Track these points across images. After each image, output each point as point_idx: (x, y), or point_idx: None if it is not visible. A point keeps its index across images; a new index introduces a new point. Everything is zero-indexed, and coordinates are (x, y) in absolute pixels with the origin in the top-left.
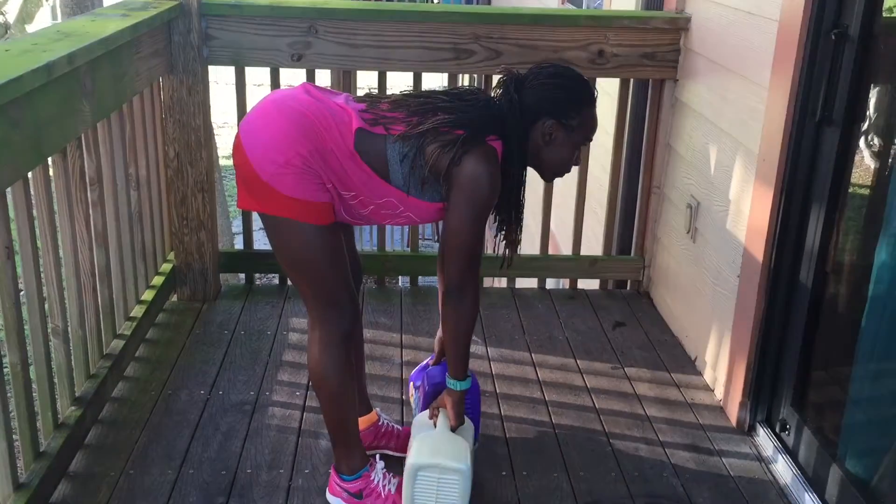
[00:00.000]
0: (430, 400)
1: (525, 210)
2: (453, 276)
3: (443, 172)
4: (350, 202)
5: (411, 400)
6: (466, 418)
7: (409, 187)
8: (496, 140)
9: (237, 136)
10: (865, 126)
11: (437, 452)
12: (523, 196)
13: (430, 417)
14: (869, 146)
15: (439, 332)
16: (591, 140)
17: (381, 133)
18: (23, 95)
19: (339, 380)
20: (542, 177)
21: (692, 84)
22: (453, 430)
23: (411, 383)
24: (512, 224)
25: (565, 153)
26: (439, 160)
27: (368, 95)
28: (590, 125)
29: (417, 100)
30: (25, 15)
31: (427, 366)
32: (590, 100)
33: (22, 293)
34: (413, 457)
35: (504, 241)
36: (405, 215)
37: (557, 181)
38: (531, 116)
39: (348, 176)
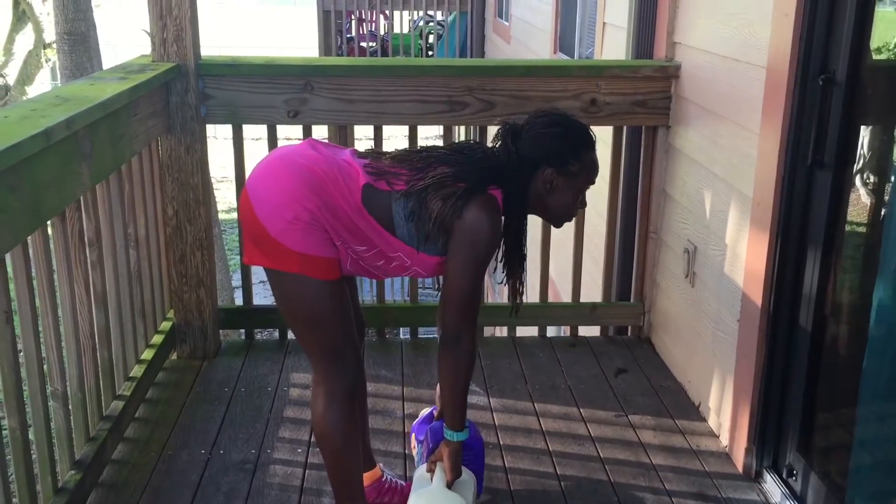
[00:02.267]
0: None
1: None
2: (450, 325)
3: (445, 225)
4: (365, 255)
5: (413, 452)
6: (466, 471)
7: (415, 243)
8: (496, 189)
9: (244, 193)
10: (857, 168)
11: None
12: (525, 243)
13: (428, 471)
14: (864, 186)
15: (440, 387)
16: (593, 183)
17: (385, 189)
18: (21, 161)
19: (344, 435)
20: (549, 222)
21: (684, 130)
22: (450, 484)
23: (413, 435)
24: (516, 272)
25: (568, 199)
26: (442, 213)
27: (372, 151)
28: (590, 169)
29: (419, 155)
30: (25, 77)
31: (431, 417)
32: (588, 144)
33: (21, 355)
34: None
35: (510, 289)
36: (414, 269)
37: (554, 229)
38: (530, 166)
39: (359, 229)
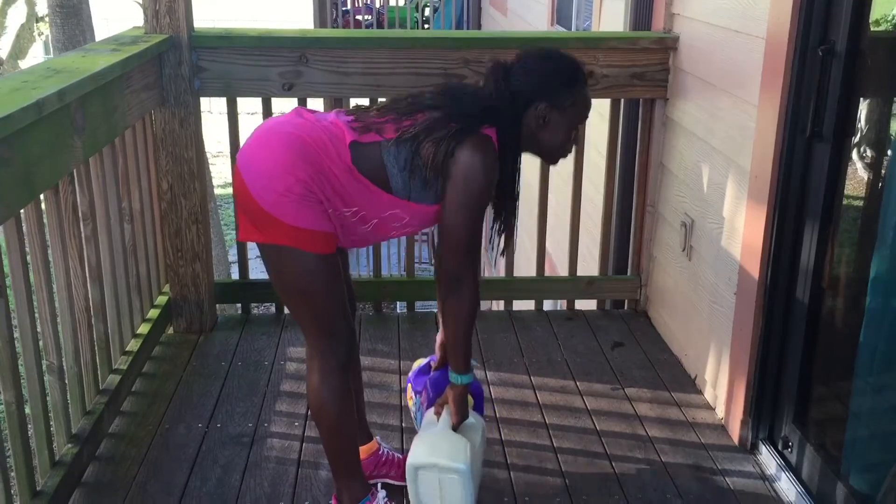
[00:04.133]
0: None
1: (520, 214)
2: (450, 268)
3: (439, 167)
4: (351, 219)
5: (410, 404)
6: (475, 415)
7: (410, 192)
8: (490, 128)
9: (235, 168)
10: (856, 140)
11: (434, 452)
12: (519, 184)
13: (435, 414)
14: (861, 160)
15: (440, 336)
16: (586, 118)
17: (374, 140)
18: (13, 133)
19: (339, 409)
20: (544, 160)
21: (682, 103)
22: (455, 426)
23: (409, 385)
24: (509, 213)
25: (561, 135)
26: (436, 157)
27: (357, 107)
28: (583, 104)
29: (406, 101)
30: (18, 50)
31: (428, 367)
32: (580, 79)
33: (16, 330)
34: (410, 457)
35: (502, 231)
36: (411, 224)
37: (552, 201)
38: (523, 102)
39: (348, 192)
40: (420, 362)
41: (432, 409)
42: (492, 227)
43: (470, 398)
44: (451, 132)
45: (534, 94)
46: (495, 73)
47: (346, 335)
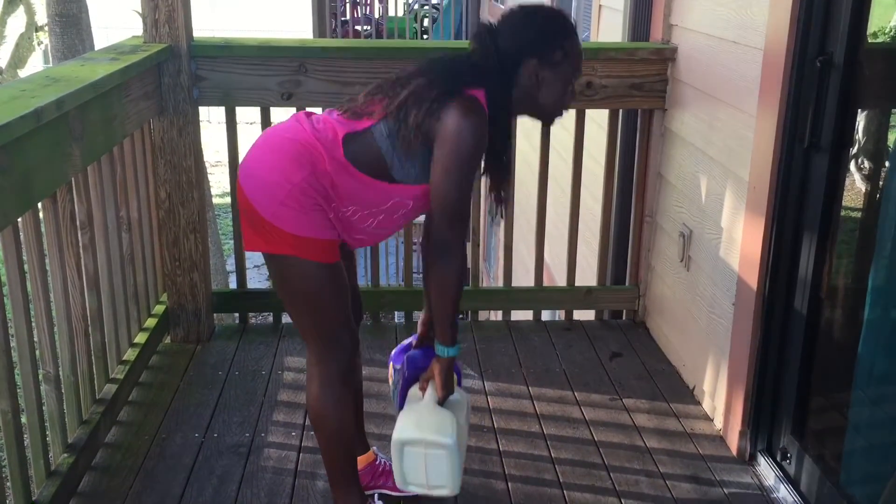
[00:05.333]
0: (411, 384)
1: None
2: (438, 235)
3: (425, 131)
4: (352, 218)
5: (390, 382)
6: (461, 391)
7: (408, 172)
8: (478, 90)
9: (238, 181)
10: (854, 151)
11: (420, 427)
12: (512, 146)
13: (420, 389)
14: (859, 170)
15: (423, 314)
16: (580, 72)
17: (366, 125)
18: (11, 142)
19: (339, 418)
20: (543, 121)
21: (680, 113)
22: (441, 401)
23: (391, 364)
24: (502, 175)
25: (558, 90)
26: (422, 121)
27: (347, 100)
28: (575, 56)
29: (391, 80)
30: (17, 59)
31: (409, 347)
32: (568, 31)
33: (12, 339)
34: (396, 431)
35: (494, 198)
36: (416, 208)
37: (550, 211)
38: (512, 62)
39: (347, 192)
40: (404, 341)
41: (417, 385)
42: (490, 193)
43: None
44: (436, 95)
45: (522, 52)
46: (480, 35)
47: (347, 344)
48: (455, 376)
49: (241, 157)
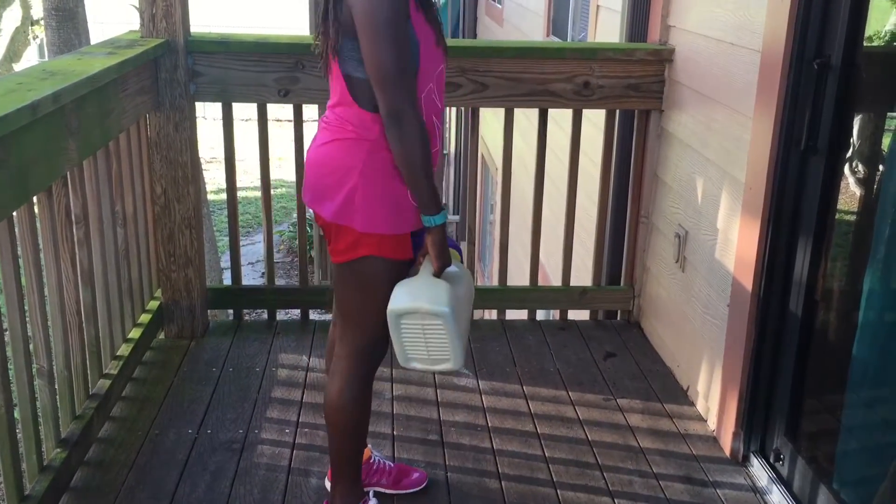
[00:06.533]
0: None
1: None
2: (386, 104)
3: (346, 22)
4: (430, 96)
5: None
6: (459, 265)
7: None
8: None
9: (313, 213)
10: (850, 154)
11: (414, 297)
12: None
13: (416, 265)
14: (854, 174)
15: None
16: None
17: (336, 72)
18: (7, 135)
19: (358, 414)
20: None
21: (677, 114)
22: (437, 273)
23: None
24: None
25: None
26: (336, 16)
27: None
28: None
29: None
30: (13, 53)
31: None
32: None
33: (6, 333)
34: (390, 304)
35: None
36: (427, 59)
37: (545, 211)
38: None
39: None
40: None
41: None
42: None
43: (455, 252)
44: None
45: None
46: None
47: (384, 343)
48: (456, 251)
49: (237, 153)
